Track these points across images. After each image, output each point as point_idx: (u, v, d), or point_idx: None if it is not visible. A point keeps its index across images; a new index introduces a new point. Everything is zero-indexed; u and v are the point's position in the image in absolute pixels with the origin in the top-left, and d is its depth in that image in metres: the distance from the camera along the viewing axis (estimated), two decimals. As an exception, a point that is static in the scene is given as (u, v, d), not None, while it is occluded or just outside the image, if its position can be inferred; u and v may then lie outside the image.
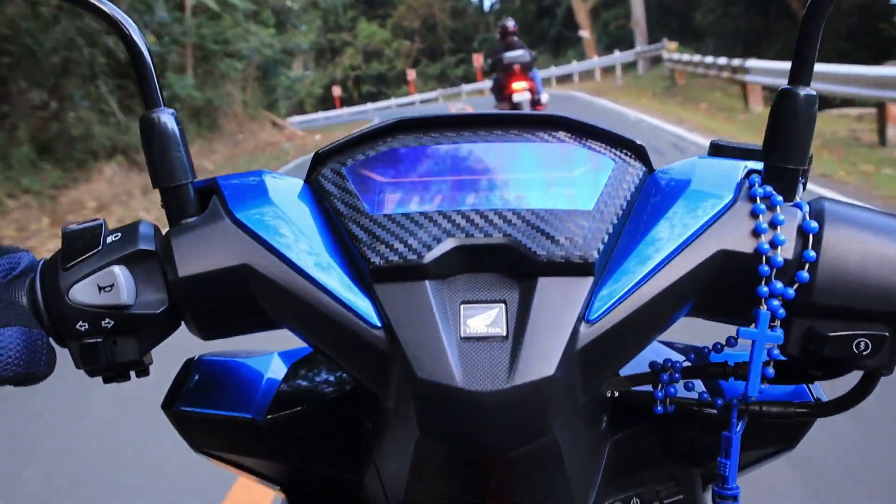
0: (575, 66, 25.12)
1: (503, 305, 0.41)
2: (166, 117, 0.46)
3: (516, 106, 9.12)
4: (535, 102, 9.29)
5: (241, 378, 0.57)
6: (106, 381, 0.48)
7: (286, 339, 0.50)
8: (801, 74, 0.44)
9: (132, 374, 0.48)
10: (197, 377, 0.57)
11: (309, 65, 58.06)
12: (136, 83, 0.47)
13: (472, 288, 0.42)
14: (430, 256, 0.42)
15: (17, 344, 0.44)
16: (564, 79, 25.77)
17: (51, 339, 0.46)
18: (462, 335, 0.41)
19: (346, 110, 48.88)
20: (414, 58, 52.44)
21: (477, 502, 0.43)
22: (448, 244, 0.42)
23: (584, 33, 28.18)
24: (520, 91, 9.17)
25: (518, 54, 9.29)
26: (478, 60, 27.26)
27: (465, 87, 33.77)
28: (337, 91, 50.75)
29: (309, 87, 55.03)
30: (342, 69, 53.63)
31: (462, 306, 0.42)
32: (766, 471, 0.58)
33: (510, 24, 9.92)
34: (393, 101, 40.48)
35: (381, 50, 52.08)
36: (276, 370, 0.58)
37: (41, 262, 0.47)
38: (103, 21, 0.46)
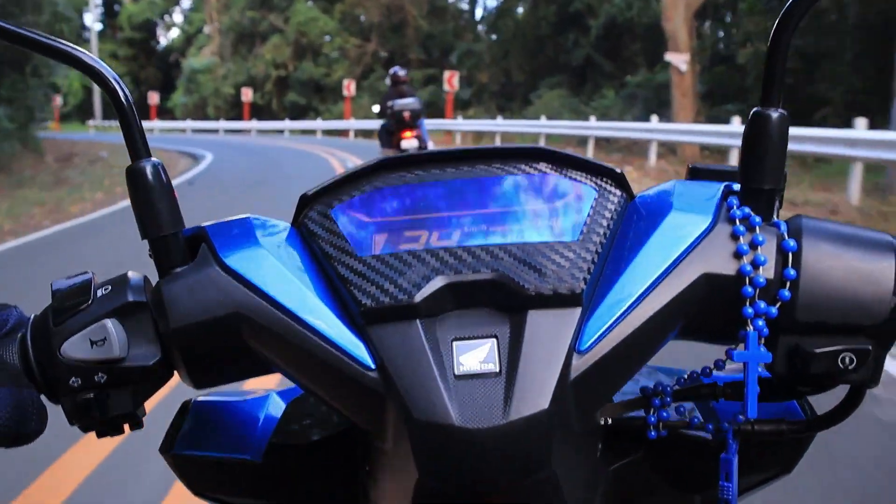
0: (638, 129, 14.27)
1: (495, 340, 0.42)
2: (152, 168, 0.47)
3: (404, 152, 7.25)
4: (421, 149, 9.72)
5: (238, 419, 0.57)
6: (99, 435, 0.48)
7: (283, 378, 0.49)
8: (771, 97, 0.45)
9: (125, 427, 0.48)
10: (194, 419, 0.57)
11: (225, 52, 41.39)
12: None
13: (463, 324, 0.43)
14: (420, 296, 0.42)
15: (7, 405, 0.43)
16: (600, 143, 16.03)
17: (42, 397, 0.46)
18: (456, 373, 0.41)
19: (247, 124, 33.82)
20: (365, 65, 36.81)
21: None
22: (437, 282, 0.43)
23: (677, 59, 14.19)
24: (409, 139, 9.95)
25: (409, 102, 10.09)
26: (450, 82, 22.45)
27: (321, 124, 29.11)
28: (248, 95, 35.15)
29: (218, 82, 38.94)
30: (264, 64, 37.67)
31: (454, 343, 0.42)
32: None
33: (402, 72, 11.02)
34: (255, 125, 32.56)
35: (320, 46, 36.51)
36: (273, 410, 0.58)
37: (31, 319, 0.47)
38: (88, 74, 0.46)
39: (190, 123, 36.82)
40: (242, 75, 39.04)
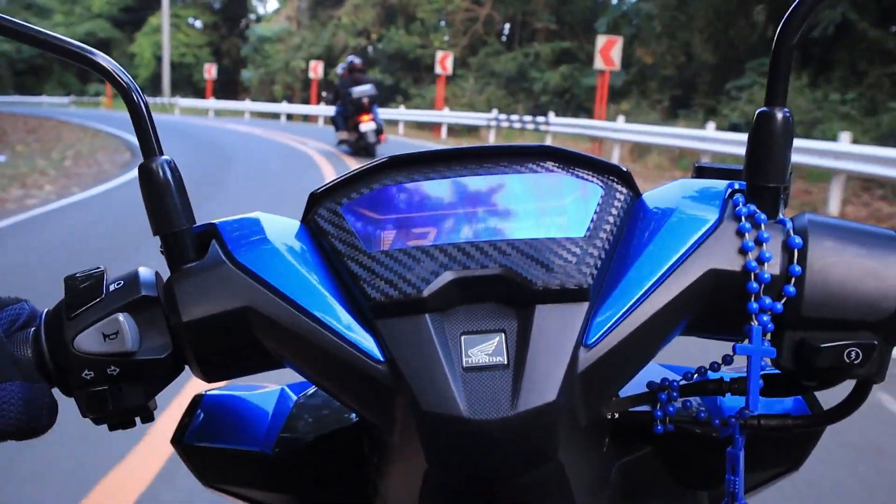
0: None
1: (503, 334, 0.42)
2: (164, 165, 0.47)
3: (363, 135, 11.54)
4: (378, 132, 11.58)
5: (249, 412, 0.58)
6: (111, 428, 0.49)
7: (293, 373, 0.50)
8: (776, 96, 0.45)
9: (137, 420, 0.49)
10: (205, 412, 0.57)
11: (303, 17, 32.16)
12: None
13: (471, 319, 0.43)
14: (428, 290, 0.43)
15: (18, 399, 0.44)
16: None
17: (53, 392, 0.47)
18: (464, 366, 0.42)
19: (313, 109, 24.44)
20: (474, 36, 26.97)
21: None
22: (446, 277, 0.43)
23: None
24: (367, 122, 11.40)
25: (366, 89, 11.58)
26: (605, 55, 14.36)
27: (403, 114, 21.37)
28: (317, 71, 26.00)
29: (289, 54, 30.03)
30: (342, 31, 28.57)
31: (463, 337, 0.42)
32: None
33: (357, 61, 12.31)
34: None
35: (415, 7, 26.84)
36: (283, 403, 0.59)
37: (44, 313, 0.48)
38: (101, 74, 0.47)
39: (248, 105, 28.77)
40: (319, 46, 30.63)
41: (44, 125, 20.96)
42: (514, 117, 16.83)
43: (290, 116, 27.65)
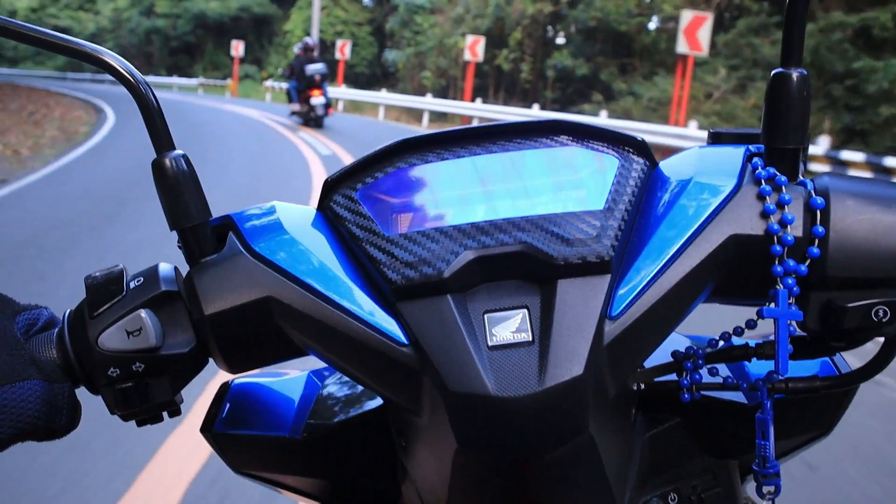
0: None
1: (526, 311, 0.42)
2: (177, 159, 0.47)
3: (313, 108, 13.36)
4: (326, 105, 13.47)
5: (276, 399, 0.59)
6: (139, 424, 0.49)
7: (318, 359, 0.49)
8: (791, 56, 0.45)
9: (164, 415, 0.49)
10: (233, 401, 0.58)
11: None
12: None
13: (493, 297, 0.43)
14: (449, 271, 0.43)
15: (36, 398, 0.44)
16: None
17: (77, 392, 0.47)
18: (489, 344, 0.41)
19: (468, 107, 15.13)
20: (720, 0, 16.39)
21: None
22: (466, 256, 0.43)
23: None
24: (317, 96, 13.18)
25: (319, 67, 13.22)
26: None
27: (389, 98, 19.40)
28: (475, 50, 16.21)
29: (447, 27, 21.95)
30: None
31: (486, 316, 0.42)
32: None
33: (311, 41, 14.04)
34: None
35: None
36: (310, 389, 0.60)
37: (67, 314, 0.48)
38: (109, 72, 0.47)
39: (384, 96, 20.62)
40: (486, 19, 22.11)
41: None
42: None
43: (443, 115, 18.33)
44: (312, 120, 13.66)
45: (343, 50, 23.31)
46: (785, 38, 0.45)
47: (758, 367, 0.52)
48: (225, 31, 35.13)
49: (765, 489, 0.48)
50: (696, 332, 0.58)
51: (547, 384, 0.40)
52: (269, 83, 27.92)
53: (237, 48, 27.03)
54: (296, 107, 14.03)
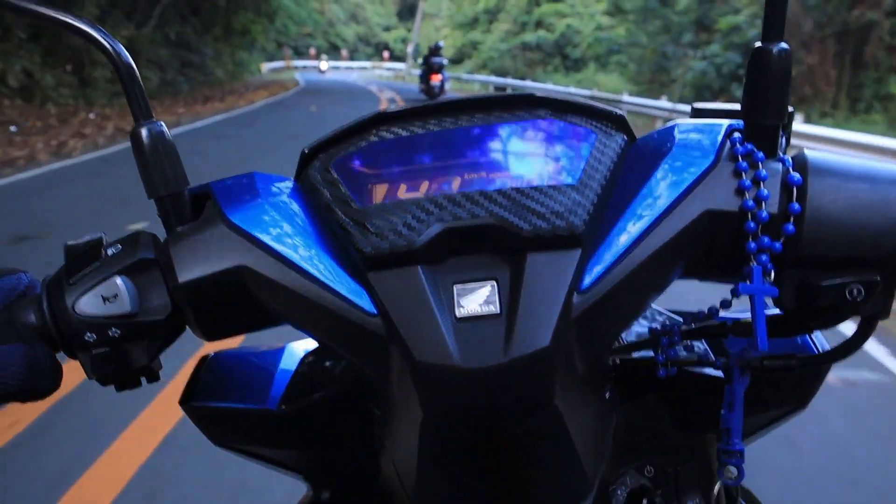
0: None
1: (495, 283, 0.42)
2: (156, 129, 0.48)
3: (432, 88, 18.27)
4: (441, 85, 18.23)
5: (255, 371, 0.59)
6: (118, 388, 0.50)
7: (298, 332, 0.51)
8: (772, 31, 0.44)
9: (143, 380, 0.49)
10: (212, 373, 0.58)
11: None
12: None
13: (463, 269, 0.43)
14: (420, 241, 0.43)
15: (20, 360, 0.45)
16: None
17: (57, 356, 0.48)
18: (457, 316, 0.42)
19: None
20: None
21: (487, 479, 0.44)
22: (437, 228, 0.43)
23: None
24: (435, 79, 18.19)
25: (438, 60, 18.45)
26: None
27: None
28: None
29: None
30: None
31: (455, 287, 0.42)
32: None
33: (440, 43, 19.53)
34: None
35: None
36: (289, 361, 0.60)
37: (45, 280, 0.48)
38: (87, 40, 0.47)
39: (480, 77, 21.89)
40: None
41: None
42: None
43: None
44: (429, 92, 18.64)
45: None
46: (766, 12, 0.44)
47: (735, 344, 0.52)
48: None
49: (726, 472, 0.47)
50: (689, 309, 0.58)
51: (512, 355, 0.40)
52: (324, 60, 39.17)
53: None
54: (423, 86, 19.03)
